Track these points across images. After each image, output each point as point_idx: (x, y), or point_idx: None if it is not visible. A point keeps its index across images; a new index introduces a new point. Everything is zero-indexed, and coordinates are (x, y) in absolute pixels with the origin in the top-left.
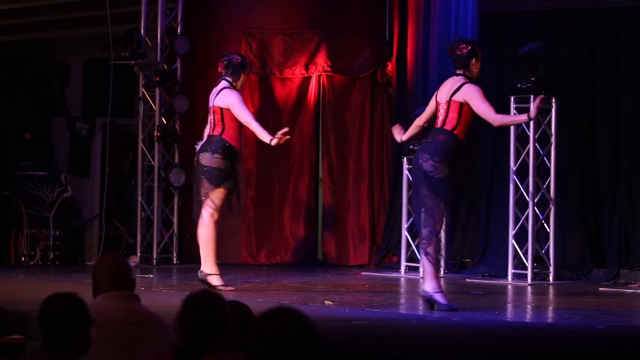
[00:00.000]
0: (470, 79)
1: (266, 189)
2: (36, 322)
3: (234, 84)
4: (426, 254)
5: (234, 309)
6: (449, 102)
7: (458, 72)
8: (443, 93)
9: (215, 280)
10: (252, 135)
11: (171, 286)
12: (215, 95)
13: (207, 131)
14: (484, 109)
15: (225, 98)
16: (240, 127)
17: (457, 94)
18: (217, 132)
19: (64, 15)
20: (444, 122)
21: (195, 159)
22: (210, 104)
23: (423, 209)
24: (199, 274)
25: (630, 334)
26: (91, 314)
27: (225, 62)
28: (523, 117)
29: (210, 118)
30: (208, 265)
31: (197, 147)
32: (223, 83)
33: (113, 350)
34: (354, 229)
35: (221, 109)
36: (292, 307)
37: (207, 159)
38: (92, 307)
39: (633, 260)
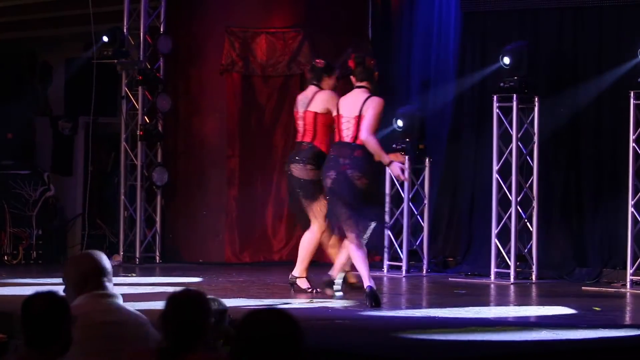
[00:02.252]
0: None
1: (249, 188)
2: (19, 321)
3: (322, 89)
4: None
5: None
6: (358, 116)
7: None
8: (348, 108)
9: (303, 284)
10: (236, 134)
11: (154, 285)
12: (308, 100)
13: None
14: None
15: (323, 102)
16: (332, 132)
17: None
18: (307, 138)
19: (46, 14)
20: (355, 137)
21: (287, 168)
22: (300, 110)
23: (348, 215)
24: (290, 277)
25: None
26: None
27: (309, 68)
28: (385, 159)
29: (299, 124)
30: (299, 268)
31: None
32: (312, 88)
33: (95, 351)
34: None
35: (315, 114)
36: (277, 308)
37: (299, 171)
38: (74, 308)
39: (615, 260)
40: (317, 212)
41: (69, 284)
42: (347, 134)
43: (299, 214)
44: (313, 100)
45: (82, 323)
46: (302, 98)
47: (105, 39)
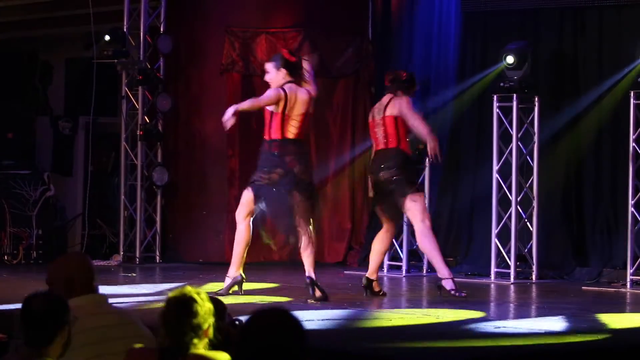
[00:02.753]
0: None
1: None
2: (19, 321)
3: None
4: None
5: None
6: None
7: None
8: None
9: (448, 285)
10: (236, 134)
11: (154, 285)
12: (383, 107)
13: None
14: None
15: (397, 106)
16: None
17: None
18: (392, 144)
19: (46, 14)
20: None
21: (371, 180)
22: (378, 117)
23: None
24: (363, 280)
25: (613, 332)
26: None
27: (391, 77)
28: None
29: (378, 131)
30: (440, 270)
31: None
32: (388, 95)
33: (88, 357)
34: (333, 228)
35: (395, 118)
36: (280, 308)
37: (389, 176)
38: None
39: (616, 259)
40: (414, 206)
41: (56, 287)
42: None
43: (391, 214)
44: (389, 106)
45: (77, 329)
46: (377, 106)
47: (107, 37)
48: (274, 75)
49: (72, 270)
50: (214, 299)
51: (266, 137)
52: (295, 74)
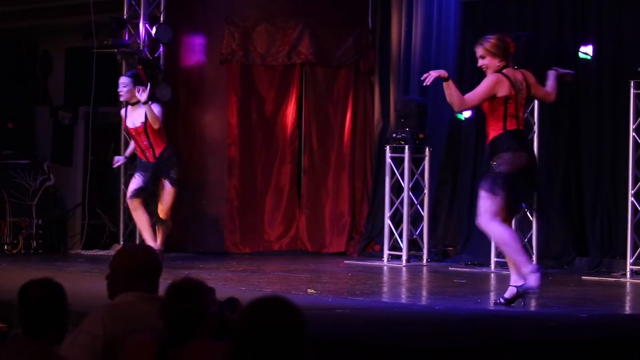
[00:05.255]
0: None
1: (249, 177)
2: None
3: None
4: None
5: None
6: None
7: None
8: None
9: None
10: (236, 124)
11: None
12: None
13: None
14: None
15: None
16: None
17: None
18: (522, 125)
19: (46, 3)
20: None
21: (522, 159)
22: (521, 91)
23: None
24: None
25: (613, 322)
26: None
27: (516, 43)
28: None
29: (521, 109)
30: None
31: None
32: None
33: None
34: (334, 218)
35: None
36: (280, 296)
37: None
38: (123, 304)
39: (615, 249)
40: None
41: (120, 276)
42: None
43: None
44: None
45: (139, 325)
46: (515, 82)
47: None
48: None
49: (143, 263)
50: (206, 286)
51: None
52: None
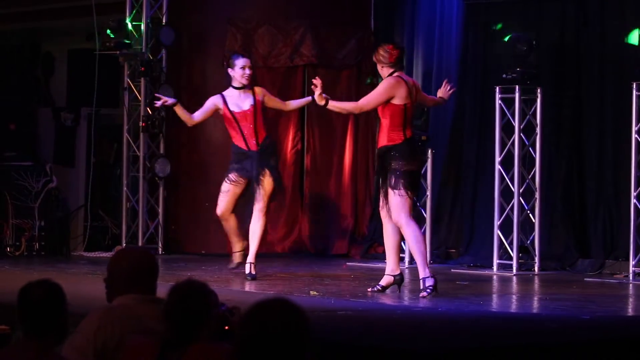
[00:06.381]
0: None
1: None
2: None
3: None
4: None
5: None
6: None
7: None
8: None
9: None
10: None
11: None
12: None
13: None
14: None
15: None
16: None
17: None
18: None
19: (49, 5)
20: None
21: None
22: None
23: None
24: None
25: (615, 324)
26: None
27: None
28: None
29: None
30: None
31: None
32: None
33: None
34: (336, 220)
35: None
36: (284, 298)
37: None
38: (121, 307)
39: (618, 251)
40: None
41: (117, 279)
42: None
43: None
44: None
45: (135, 327)
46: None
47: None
48: None
49: (139, 264)
50: (208, 288)
51: None
52: None
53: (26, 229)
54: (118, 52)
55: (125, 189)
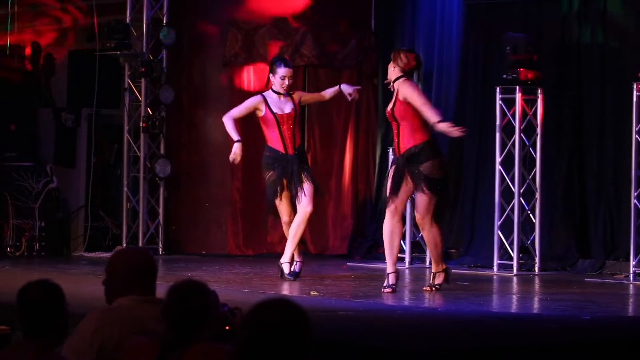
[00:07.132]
0: None
1: (253, 179)
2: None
3: None
4: None
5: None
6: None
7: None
8: None
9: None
10: (239, 126)
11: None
12: None
13: None
14: None
15: None
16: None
17: None
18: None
19: None
20: None
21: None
22: None
23: None
24: None
25: (616, 324)
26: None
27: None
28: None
29: None
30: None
31: None
32: None
33: None
34: (337, 220)
35: None
36: (285, 298)
37: None
38: (120, 309)
39: (619, 251)
40: None
41: (115, 280)
42: None
43: None
44: None
45: (135, 329)
46: None
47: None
48: None
49: (138, 265)
50: (208, 288)
51: None
52: None
53: (26, 230)
54: (118, 52)
55: (125, 189)
